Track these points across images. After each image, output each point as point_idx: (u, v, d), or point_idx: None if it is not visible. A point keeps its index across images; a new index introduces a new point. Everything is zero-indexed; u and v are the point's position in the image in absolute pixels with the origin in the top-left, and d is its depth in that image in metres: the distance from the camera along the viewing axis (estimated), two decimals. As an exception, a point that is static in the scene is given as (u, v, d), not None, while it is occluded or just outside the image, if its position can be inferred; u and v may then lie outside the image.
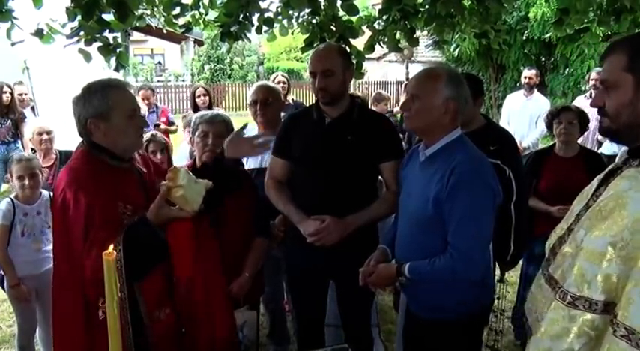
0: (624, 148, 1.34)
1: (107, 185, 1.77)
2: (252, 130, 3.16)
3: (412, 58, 14.28)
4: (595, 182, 1.35)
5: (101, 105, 1.77)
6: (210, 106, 4.96)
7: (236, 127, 2.53)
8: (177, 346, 1.98)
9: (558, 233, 1.40)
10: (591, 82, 5.65)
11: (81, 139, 1.88)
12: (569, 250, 1.28)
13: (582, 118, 3.18)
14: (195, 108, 4.93)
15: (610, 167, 1.34)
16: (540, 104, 5.73)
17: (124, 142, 1.84)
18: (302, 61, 23.58)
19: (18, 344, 3.07)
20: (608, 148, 5.12)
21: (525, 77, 5.85)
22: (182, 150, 4.09)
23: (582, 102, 5.15)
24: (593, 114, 2.43)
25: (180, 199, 1.72)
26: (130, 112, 1.83)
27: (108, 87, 1.80)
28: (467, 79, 2.05)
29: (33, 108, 6.25)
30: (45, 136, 3.87)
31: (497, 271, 2.81)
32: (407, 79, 11.00)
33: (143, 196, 1.89)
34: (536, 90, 5.90)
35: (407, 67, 14.31)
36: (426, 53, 14.87)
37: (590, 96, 5.50)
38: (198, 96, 5.01)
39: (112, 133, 1.80)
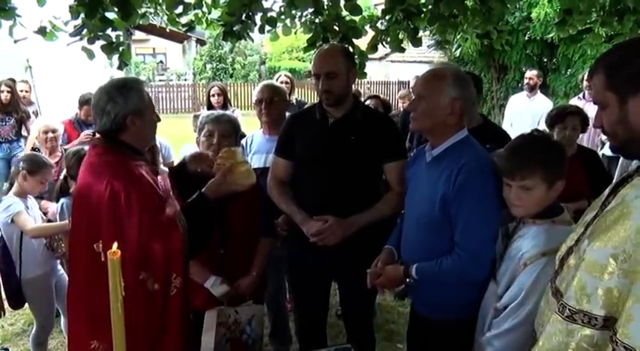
0: None
1: (143, 176, 1.84)
2: (257, 129, 3.17)
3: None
4: (606, 191, 1.30)
5: (139, 101, 1.84)
6: (224, 106, 4.85)
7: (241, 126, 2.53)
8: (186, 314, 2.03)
9: (568, 244, 1.35)
10: (585, 83, 5.63)
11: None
12: (574, 261, 1.24)
13: (584, 122, 3.26)
14: (210, 107, 4.82)
15: (622, 176, 1.29)
16: (543, 105, 5.77)
17: (149, 136, 1.95)
18: (304, 61, 23.54)
19: (36, 342, 3.11)
20: (611, 148, 5.08)
21: (527, 78, 5.94)
22: (184, 150, 4.08)
23: (576, 103, 5.13)
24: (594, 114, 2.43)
25: (244, 173, 1.96)
26: (153, 108, 1.94)
27: (140, 84, 1.90)
28: None
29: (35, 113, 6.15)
30: (50, 134, 3.92)
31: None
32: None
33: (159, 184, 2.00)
34: (538, 91, 5.95)
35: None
36: (428, 53, 14.82)
37: (584, 97, 5.49)
38: (213, 95, 4.89)
39: (145, 128, 1.88)
